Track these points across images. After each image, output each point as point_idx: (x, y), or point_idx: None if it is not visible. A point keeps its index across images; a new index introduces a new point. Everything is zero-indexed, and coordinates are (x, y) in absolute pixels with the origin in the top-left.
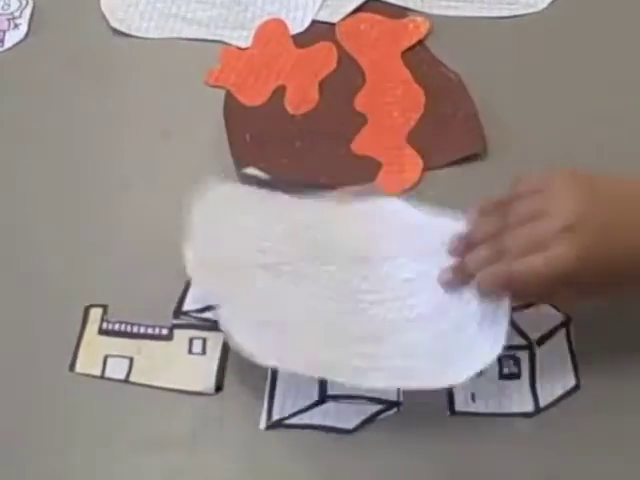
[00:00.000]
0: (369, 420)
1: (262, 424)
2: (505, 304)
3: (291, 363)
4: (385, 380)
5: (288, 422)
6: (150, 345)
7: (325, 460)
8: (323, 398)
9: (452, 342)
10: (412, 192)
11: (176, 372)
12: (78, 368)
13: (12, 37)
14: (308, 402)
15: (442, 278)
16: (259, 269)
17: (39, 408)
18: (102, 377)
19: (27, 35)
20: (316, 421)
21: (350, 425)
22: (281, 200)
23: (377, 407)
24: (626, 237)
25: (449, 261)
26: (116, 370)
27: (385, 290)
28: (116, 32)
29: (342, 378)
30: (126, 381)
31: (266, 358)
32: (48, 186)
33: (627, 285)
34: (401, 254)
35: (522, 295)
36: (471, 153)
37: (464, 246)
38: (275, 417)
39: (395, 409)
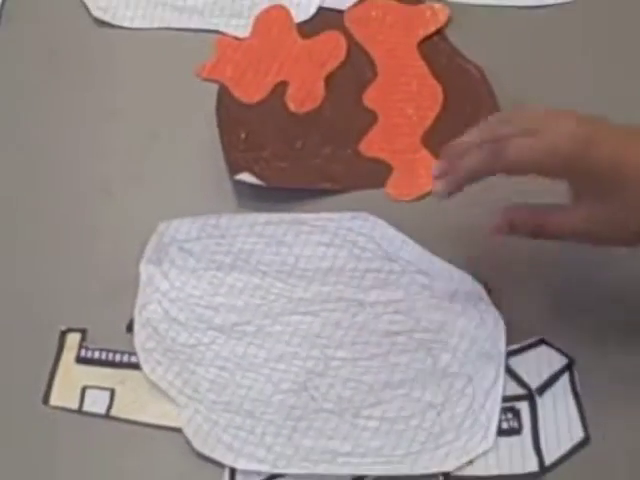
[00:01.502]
0: None
1: None
2: (499, 387)
3: (260, 457)
4: (367, 467)
5: None
6: (135, 376)
7: None
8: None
9: (438, 419)
10: (427, 201)
11: (164, 406)
12: (53, 400)
13: None
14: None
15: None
16: (212, 332)
17: (9, 444)
18: (80, 411)
19: None
20: None
21: None
22: (228, 236)
23: None
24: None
25: (437, 316)
26: (96, 403)
27: (360, 344)
28: (98, 22)
29: (321, 468)
30: (107, 416)
31: (235, 460)
32: (21, 193)
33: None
34: (382, 297)
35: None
36: None
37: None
38: None
39: None
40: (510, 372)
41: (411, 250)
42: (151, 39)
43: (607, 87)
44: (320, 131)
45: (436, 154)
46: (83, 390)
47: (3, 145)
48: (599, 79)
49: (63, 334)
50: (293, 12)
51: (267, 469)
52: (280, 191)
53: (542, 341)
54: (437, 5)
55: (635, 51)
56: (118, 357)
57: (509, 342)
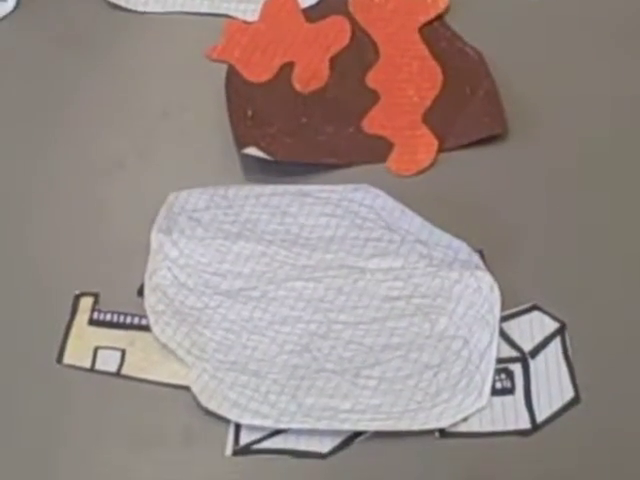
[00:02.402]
0: (345, 443)
1: (228, 450)
2: (493, 349)
3: (264, 413)
4: (366, 423)
5: (257, 447)
6: (145, 337)
7: None
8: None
9: (435, 379)
10: (425, 175)
11: (172, 365)
12: (66, 359)
13: None
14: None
15: None
16: (219, 296)
17: (24, 400)
18: (92, 370)
19: (16, 8)
20: (288, 445)
21: (324, 449)
22: (236, 206)
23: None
24: None
25: (435, 282)
26: (107, 362)
27: (361, 308)
28: (113, 6)
29: (322, 424)
30: (118, 374)
31: (240, 416)
32: (37, 166)
33: None
34: (382, 265)
35: None
36: (490, 134)
37: None
38: (243, 442)
39: (362, 437)
40: (504, 336)
41: (410, 220)
42: (164, 22)
43: (593, 71)
44: (324, 109)
45: (436, 132)
46: (95, 350)
47: (21, 122)
48: (585, 61)
49: (77, 298)
50: None
51: (271, 424)
52: (285, 165)
53: (535, 307)
54: None
55: (627, 37)
56: (129, 319)
57: (504, 307)
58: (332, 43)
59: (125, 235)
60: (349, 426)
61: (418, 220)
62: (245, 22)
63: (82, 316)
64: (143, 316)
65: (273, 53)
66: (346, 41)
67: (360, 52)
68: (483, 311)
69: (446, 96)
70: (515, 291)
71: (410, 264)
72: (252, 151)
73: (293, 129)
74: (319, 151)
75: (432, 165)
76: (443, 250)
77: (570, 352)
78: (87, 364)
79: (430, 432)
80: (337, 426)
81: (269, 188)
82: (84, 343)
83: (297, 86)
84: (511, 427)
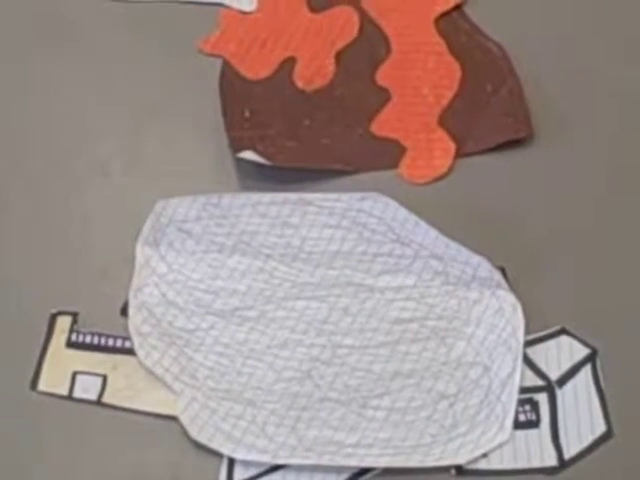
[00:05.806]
0: None
1: None
2: (516, 378)
3: (261, 448)
4: (374, 458)
5: None
6: (129, 361)
7: None
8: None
9: (451, 411)
10: (442, 183)
11: (159, 393)
12: (41, 386)
13: None
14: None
15: None
16: (211, 317)
17: None
18: (70, 397)
19: None
20: None
21: None
22: (230, 217)
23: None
24: None
25: (452, 303)
26: (87, 389)
27: (369, 331)
28: None
29: (325, 459)
30: (98, 402)
31: (234, 450)
32: (11, 170)
33: None
34: (393, 283)
35: None
36: (515, 138)
37: None
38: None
39: (369, 475)
40: (529, 362)
41: (424, 233)
42: (152, 12)
43: (632, 68)
44: (330, 109)
45: (453, 135)
46: (73, 376)
47: None
48: (623, 56)
49: (53, 317)
50: None
51: (268, 459)
52: (285, 171)
53: (563, 330)
54: None
55: None
56: (111, 341)
57: (528, 331)
58: (338, 36)
59: (108, 248)
60: (355, 462)
61: (433, 233)
62: (242, 12)
63: (59, 337)
64: (127, 338)
65: (273, 46)
66: (354, 34)
67: (369, 46)
68: (505, 335)
69: (465, 95)
70: (541, 313)
71: (424, 282)
72: (248, 155)
73: (294, 131)
74: (323, 156)
75: (449, 172)
76: (461, 267)
77: (602, 381)
78: (64, 391)
79: (445, 469)
80: (341, 461)
81: (267, 196)
82: (61, 368)
83: (299, 83)
84: (536, 464)
